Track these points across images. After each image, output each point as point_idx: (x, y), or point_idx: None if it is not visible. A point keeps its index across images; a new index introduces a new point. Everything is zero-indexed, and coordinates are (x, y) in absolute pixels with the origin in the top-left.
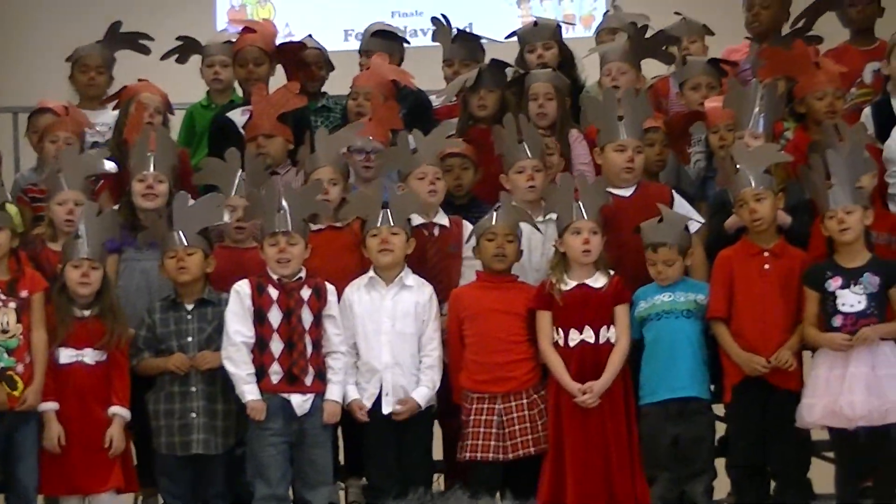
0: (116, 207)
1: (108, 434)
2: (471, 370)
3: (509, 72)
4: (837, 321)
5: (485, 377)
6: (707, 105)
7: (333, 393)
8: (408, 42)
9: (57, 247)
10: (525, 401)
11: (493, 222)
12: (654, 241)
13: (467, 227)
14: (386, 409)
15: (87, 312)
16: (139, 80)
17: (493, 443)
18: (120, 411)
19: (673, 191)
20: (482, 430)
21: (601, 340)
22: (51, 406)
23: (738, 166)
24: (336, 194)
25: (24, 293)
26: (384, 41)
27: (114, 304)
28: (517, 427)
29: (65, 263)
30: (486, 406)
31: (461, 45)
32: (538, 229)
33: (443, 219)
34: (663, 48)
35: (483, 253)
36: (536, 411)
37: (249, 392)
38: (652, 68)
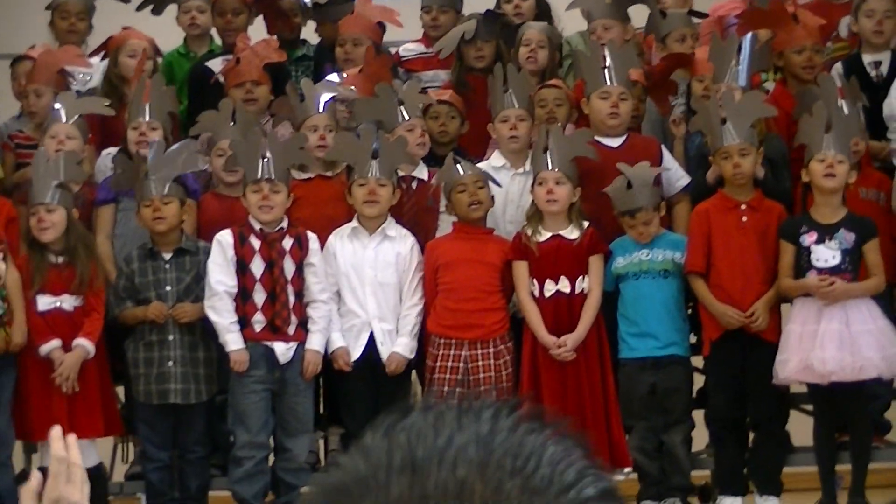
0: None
1: (59, 360)
2: (439, 315)
3: None
4: (811, 276)
5: (452, 322)
6: (698, 53)
7: (314, 342)
8: None
9: None
10: (491, 349)
11: (459, 174)
12: (630, 209)
13: None
14: (385, 355)
15: (60, 259)
16: (123, 28)
17: (457, 390)
18: (83, 342)
19: (661, 145)
20: (447, 376)
21: (576, 291)
22: (54, 344)
23: (724, 119)
24: (332, 141)
25: None
26: None
27: (80, 246)
28: (482, 375)
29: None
30: (451, 353)
31: None
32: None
33: (422, 172)
34: None
35: (458, 206)
36: (502, 361)
37: (233, 342)
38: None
